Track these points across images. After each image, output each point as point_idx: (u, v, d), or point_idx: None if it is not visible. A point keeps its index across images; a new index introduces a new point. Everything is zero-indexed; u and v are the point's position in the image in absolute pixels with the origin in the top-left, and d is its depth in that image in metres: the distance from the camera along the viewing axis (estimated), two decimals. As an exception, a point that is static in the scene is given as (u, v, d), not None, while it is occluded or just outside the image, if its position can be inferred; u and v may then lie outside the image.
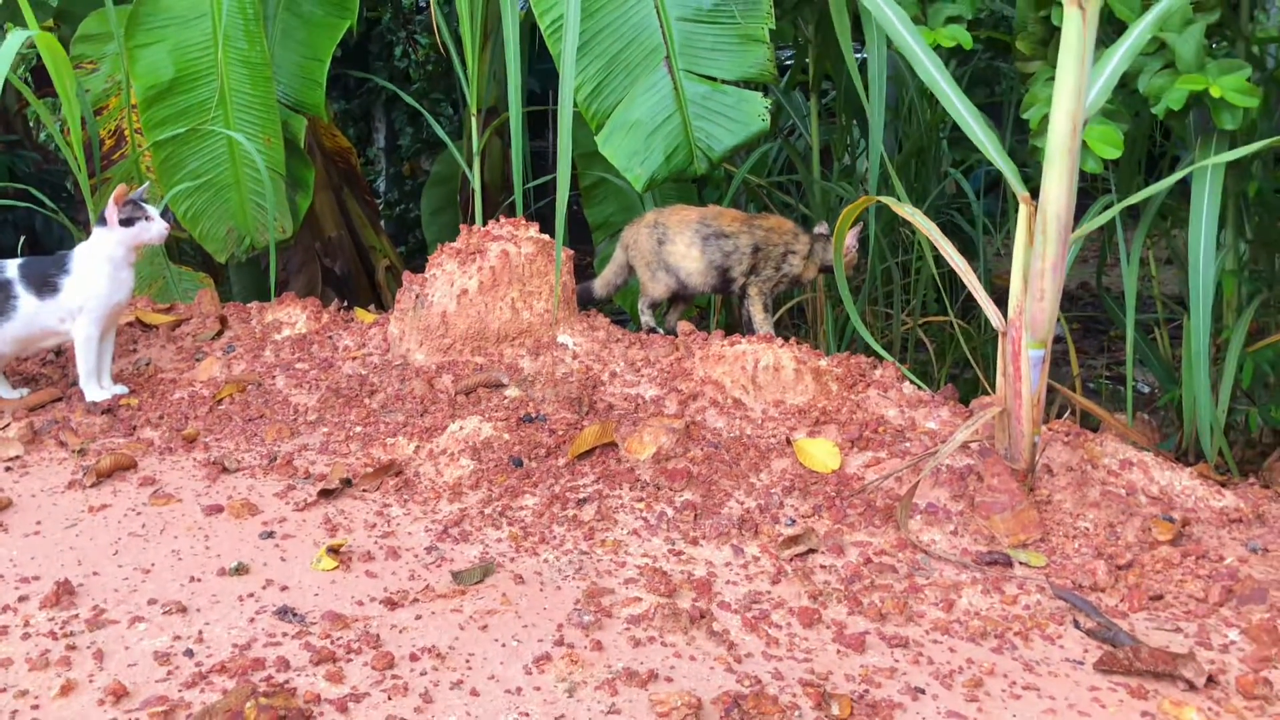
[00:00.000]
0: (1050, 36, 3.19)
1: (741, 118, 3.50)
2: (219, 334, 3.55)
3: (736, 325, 3.92)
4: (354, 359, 3.25)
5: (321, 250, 5.90)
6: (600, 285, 3.40)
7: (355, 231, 6.07)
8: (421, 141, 7.62)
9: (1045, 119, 3.10)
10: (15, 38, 3.30)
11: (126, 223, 2.87)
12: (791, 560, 2.03)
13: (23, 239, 4.75)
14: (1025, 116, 3.09)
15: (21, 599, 1.96)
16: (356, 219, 6.08)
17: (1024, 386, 2.16)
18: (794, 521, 2.18)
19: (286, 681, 1.64)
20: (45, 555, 2.14)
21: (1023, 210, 2.17)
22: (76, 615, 1.90)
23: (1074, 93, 2.06)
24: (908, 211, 2.38)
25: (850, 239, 3.12)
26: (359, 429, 2.78)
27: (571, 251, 3.19)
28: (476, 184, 4.38)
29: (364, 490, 2.43)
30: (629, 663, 1.70)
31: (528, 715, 1.55)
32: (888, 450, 2.41)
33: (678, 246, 3.13)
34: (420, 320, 3.15)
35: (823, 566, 2.02)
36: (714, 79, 3.57)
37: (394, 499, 2.39)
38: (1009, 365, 2.19)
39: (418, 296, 3.18)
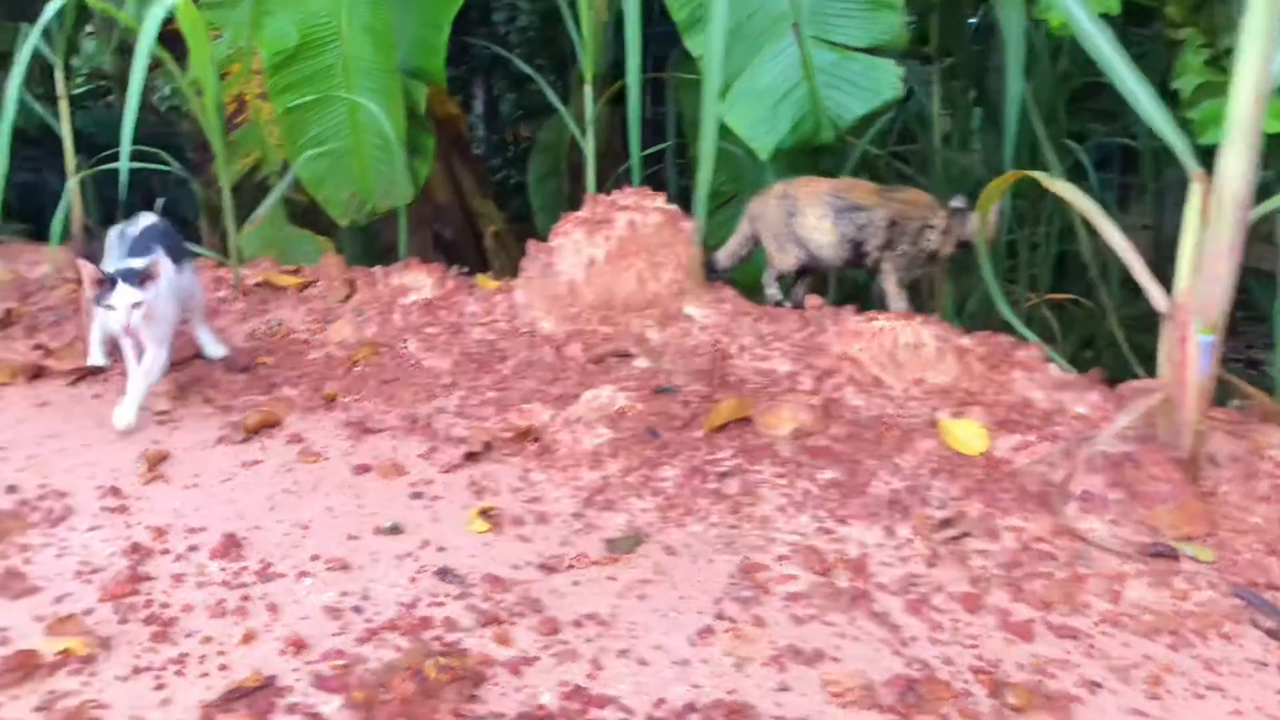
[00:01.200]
0: (1203, 2, 3.06)
1: (872, 85, 3.43)
2: (348, 297, 3.61)
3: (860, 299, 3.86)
4: (481, 325, 3.28)
5: (432, 215, 5.96)
6: (724, 257, 3.37)
7: (464, 197, 6.12)
8: (523, 108, 7.64)
9: (1198, 89, 2.98)
10: (159, 7, 3.38)
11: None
12: (946, 543, 2.00)
13: (160, 200, 4.86)
14: (1176, 87, 2.97)
15: (191, 548, 2.03)
16: (465, 185, 6.13)
17: (1190, 372, 2.09)
18: (944, 504, 2.14)
19: (457, 642, 1.67)
20: (206, 507, 2.21)
21: (1196, 188, 2.09)
22: (246, 567, 1.95)
23: (1259, 63, 1.96)
24: (1059, 187, 2.31)
25: (992, 214, 3.04)
26: (492, 394, 2.81)
27: (697, 222, 3.17)
28: (590, 152, 4.37)
29: (505, 454, 2.46)
30: (793, 640, 1.69)
31: (699, 687, 1.55)
32: (1036, 434, 2.36)
33: (808, 219, 3.09)
34: (547, 288, 3.16)
35: (978, 551, 1.99)
36: (843, 45, 3.50)
37: (535, 464, 2.41)
38: (1174, 350, 2.11)
39: (545, 265, 3.19)
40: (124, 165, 3.34)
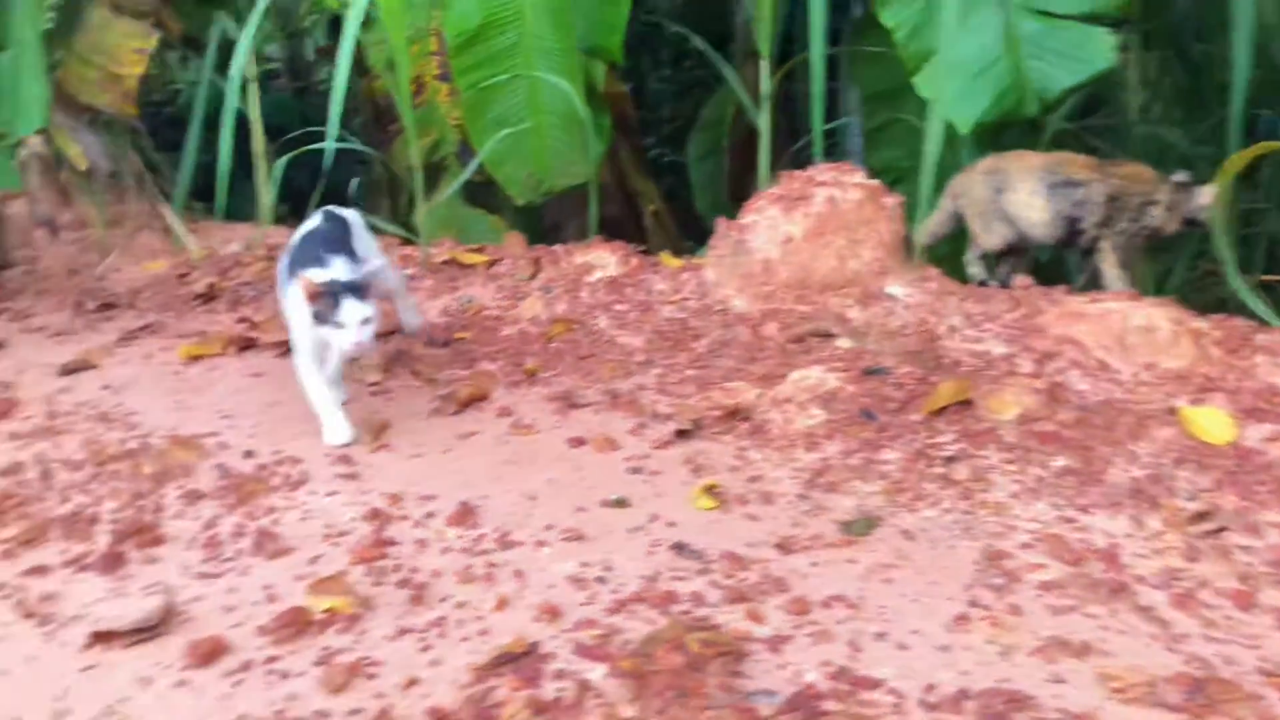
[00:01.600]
0: None
1: (1083, 55, 3.27)
2: (533, 275, 3.66)
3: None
4: (670, 303, 3.27)
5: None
6: (922, 235, 3.28)
7: (624, 177, 6.14)
8: (679, 85, 7.61)
9: None
10: (363, -6, 3.48)
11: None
12: (1203, 537, 1.89)
13: (357, 181, 5.00)
14: None
15: (428, 515, 2.08)
16: (625, 164, 6.15)
17: None
18: (1194, 496, 2.03)
19: (708, 617, 1.67)
20: (434, 476, 2.26)
21: None
22: (484, 534, 1.99)
23: None
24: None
25: (1214, 187, 2.86)
26: (690, 372, 2.80)
27: (902, 198, 3.08)
28: (765, 129, 4.31)
29: (715, 433, 2.44)
30: (1055, 631, 1.62)
31: (967, 674, 1.51)
32: (1288, 424, 2.21)
33: (1019, 195, 2.96)
34: (740, 266, 3.13)
35: (1240, 547, 1.87)
36: (1052, 14, 3.34)
37: (748, 443, 2.39)
38: None
39: (737, 242, 3.16)
40: (330, 145, 3.46)
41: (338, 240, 2.52)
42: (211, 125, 4.83)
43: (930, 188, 2.80)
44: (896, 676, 1.50)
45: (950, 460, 2.21)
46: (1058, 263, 3.89)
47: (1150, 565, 1.82)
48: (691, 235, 6.24)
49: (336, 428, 2.40)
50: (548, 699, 1.45)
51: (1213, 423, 2.22)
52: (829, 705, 1.41)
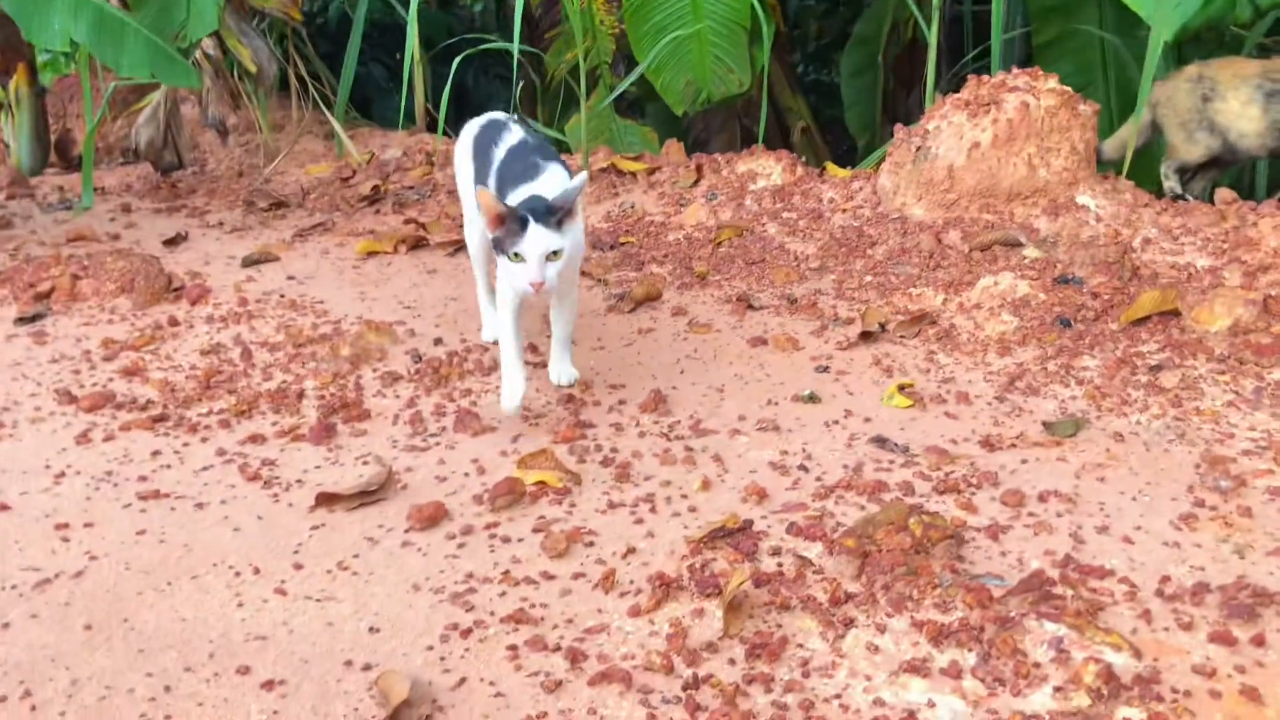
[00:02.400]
0: None
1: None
2: (696, 182, 3.63)
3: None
4: (843, 211, 3.20)
5: (741, 110, 5.90)
6: (1112, 147, 3.12)
7: (773, 92, 6.02)
8: (829, 1, 7.38)
9: None
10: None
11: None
12: None
13: (520, 84, 5.00)
14: None
15: (620, 402, 2.10)
16: (775, 79, 6.02)
17: None
18: None
19: (920, 505, 1.64)
20: (618, 368, 2.29)
21: None
22: (678, 421, 2.01)
23: None
24: None
25: None
26: (869, 278, 2.75)
27: (1097, 106, 2.93)
28: (933, 40, 4.13)
29: (901, 336, 2.40)
30: (1294, 534, 1.55)
31: (1202, 569, 1.45)
32: None
33: (1230, 104, 2.79)
34: (920, 174, 3.03)
35: None
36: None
37: (936, 347, 2.33)
38: None
39: (918, 149, 3.06)
40: (514, 45, 3.45)
41: (542, 150, 2.07)
42: (365, 36, 4.90)
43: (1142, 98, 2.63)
44: (1126, 568, 1.45)
45: (1156, 369, 2.12)
46: (1237, 181, 3.67)
47: (1391, 477, 1.71)
48: (839, 153, 6.11)
49: (511, 391, 1.96)
50: (769, 571, 1.46)
51: None
52: (1060, 590, 1.37)
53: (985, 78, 3.03)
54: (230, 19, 4.34)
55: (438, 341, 2.48)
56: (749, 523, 1.58)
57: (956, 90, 3.10)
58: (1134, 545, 1.52)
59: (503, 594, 1.46)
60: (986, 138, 2.90)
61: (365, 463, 1.90)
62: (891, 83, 6.04)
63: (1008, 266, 2.62)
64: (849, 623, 1.34)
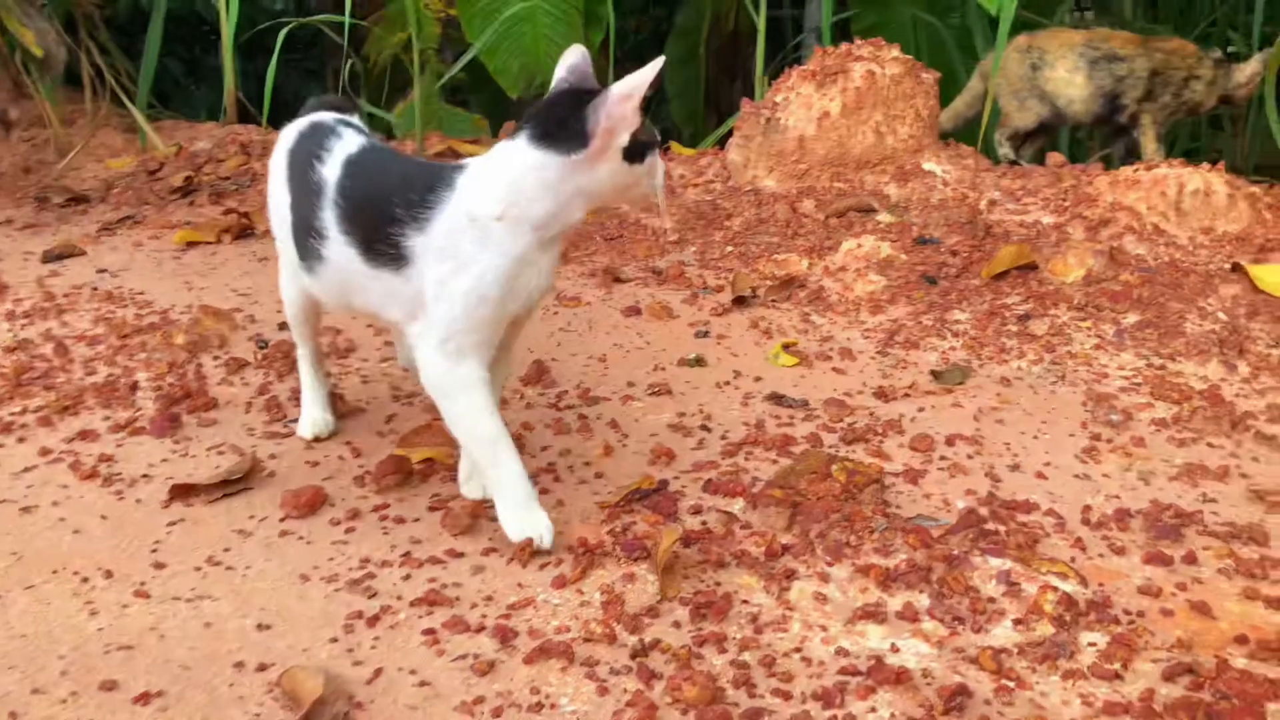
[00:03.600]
0: None
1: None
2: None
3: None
4: (695, 186, 3.17)
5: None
6: (947, 118, 3.21)
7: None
8: (642, -5, 7.40)
9: None
10: None
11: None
12: (1298, 378, 1.88)
13: (349, 65, 4.72)
14: None
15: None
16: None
17: None
18: (1276, 344, 2.01)
19: (836, 453, 1.59)
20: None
21: None
22: (565, 391, 1.90)
23: None
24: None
25: (1256, 64, 2.84)
26: (730, 248, 2.71)
27: (939, 74, 3.00)
28: (761, 26, 4.17)
29: (773, 300, 2.37)
30: (1187, 458, 1.59)
31: (1117, 497, 1.46)
32: (1354, 279, 2.21)
33: (1058, 72, 2.91)
34: (771, 146, 3.03)
35: (1337, 386, 1.86)
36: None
37: (809, 309, 2.32)
38: None
39: (768, 121, 3.06)
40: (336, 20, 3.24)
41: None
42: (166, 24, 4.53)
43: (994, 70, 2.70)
44: (1048, 502, 1.45)
45: (1024, 318, 2.17)
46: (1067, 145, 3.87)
47: (1256, 403, 1.80)
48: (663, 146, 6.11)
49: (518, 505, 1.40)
50: (694, 529, 1.37)
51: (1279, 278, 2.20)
52: (994, 527, 1.35)
53: (831, 49, 3.05)
54: (11, -1, 3.90)
55: (282, 326, 2.26)
56: (664, 483, 1.49)
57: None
58: (1048, 480, 1.52)
59: (407, 576, 1.31)
60: (836, 107, 2.92)
61: (220, 453, 1.69)
62: (714, 73, 6.10)
63: (865, 231, 2.64)
64: (790, 575, 1.27)
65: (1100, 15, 4.86)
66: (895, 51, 2.96)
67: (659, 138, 1.28)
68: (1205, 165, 2.53)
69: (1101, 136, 3.98)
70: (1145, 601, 1.19)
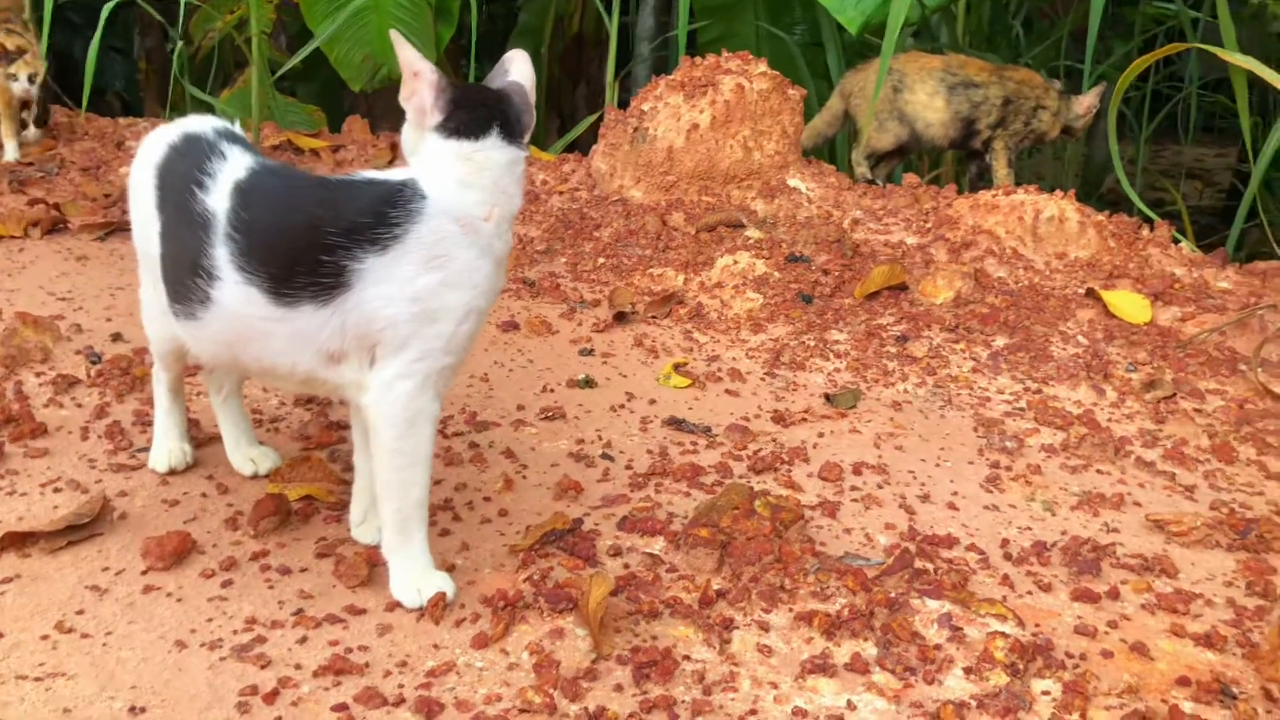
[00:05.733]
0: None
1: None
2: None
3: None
4: (560, 194, 3.07)
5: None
6: (807, 136, 3.24)
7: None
8: (482, -8, 7.22)
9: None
10: None
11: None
12: (1160, 403, 1.96)
13: (176, 64, 4.30)
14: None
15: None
16: (443, 68, 5.78)
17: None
18: (1134, 368, 2.11)
19: (751, 486, 1.54)
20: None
21: None
22: (450, 416, 1.77)
23: None
24: (1240, 59, 2.26)
25: (1092, 97, 3.00)
26: (601, 260, 2.63)
27: (805, 91, 3.02)
28: (614, 28, 4.12)
29: (653, 317, 2.30)
30: (1083, 485, 1.62)
31: (1028, 529, 1.47)
32: (1195, 305, 2.34)
33: (918, 96, 2.98)
34: (640, 156, 2.97)
35: (1197, 410, 1.96)
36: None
37: (691, 326, 2.26)
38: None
39: (635, 130, 3.00)
40: None
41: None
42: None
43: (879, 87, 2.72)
44: (965, 535, 1.44)
45: (902, 340, 2.19)
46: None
47: (1128, 428, 1.87)
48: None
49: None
50: (619, 574, 1.28)
51: (1131, 304, 2.31)
52: (923, 565, 1.32)
53: (699, 59, 3.02)
54: None
55: (116, 337, 2.02)
56: (577, 521, 1.39)
57: (627, 91, 3.07)
58: (960, 511, 1.52)
59: (304, 639, 1.16)
60: (705, 119, 2.88)
61: (57, 489, 1.47)
62: (557, 75, 6.01)
63: (737, 247, 2.62)
64: (728, 624, 1.20)
65: (922, 41, 5.05)
66: (763, 66, 2.96)
67: None
68: (1059, 192, 2.63)
69: (932, 157, 4.14)
70: (1084, 643, 1.19)
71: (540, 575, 1.27)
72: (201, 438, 1.62)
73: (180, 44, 3.76)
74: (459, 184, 1.17)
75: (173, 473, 1.52)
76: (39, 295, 2.24)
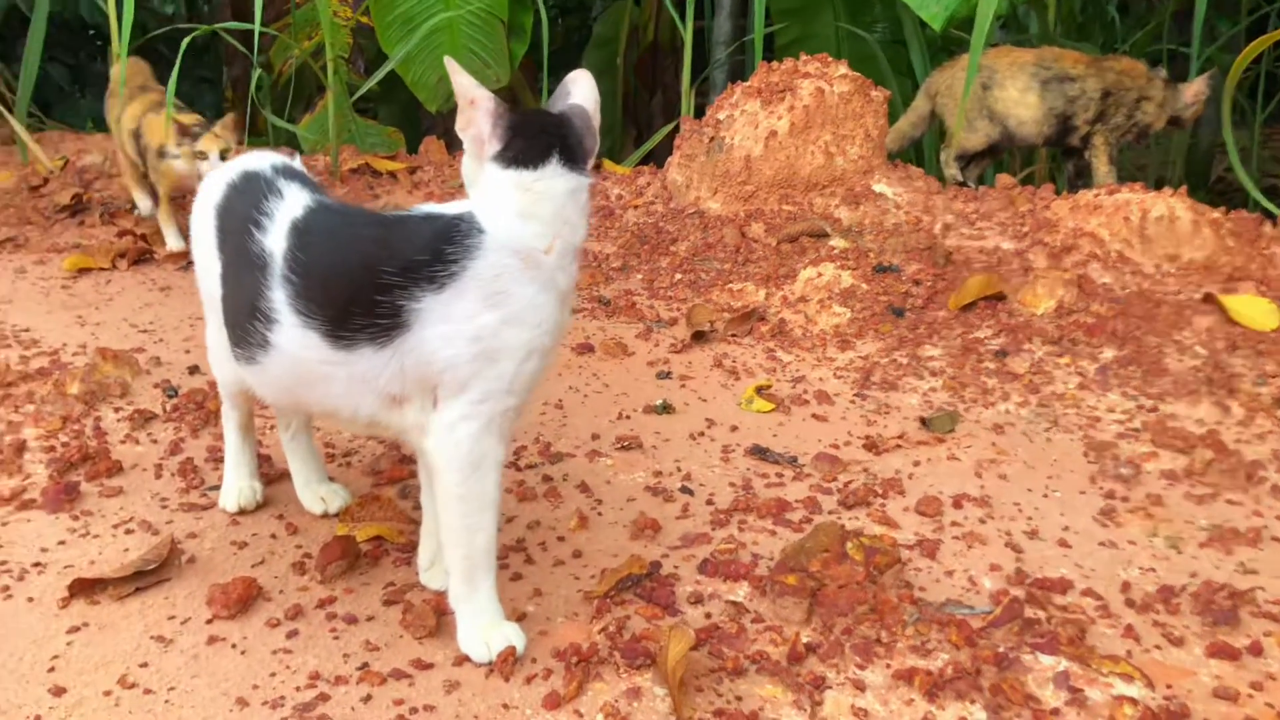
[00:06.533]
0: None
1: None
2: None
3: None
4: (635, 208, 3.00)
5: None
6: (892, 138, 3.11)
7: (516, 94, 5.77)
8: (559, 7, 7.22)
9: None
10: None
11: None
12: (1294, 420, 1.80)
13: (253, 89, 4.38)
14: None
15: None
16: (518, 82, 5.77)
17: None
18: (1263, 381, 1.94)
19: (841, 525, 1.43)
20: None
21: None
22: (524, 447, 1.70)
23: None
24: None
25: (1200, 84, 2.81)
26: (679, 276, 2.55)
27: (888, 92, 2.90)
28: (689, 36, 4.03)
29: (733, 335, 2.21)
30: (1217, 518, 1.48)
31: (1152, 571, 1.34)
32: (1327, 310, 2.15)
33: (1008, 92, 2.83)
34: (716, 166, 2.88)
35: (1334, 428, 1.79)
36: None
37: (773, 344, 2.17)
38: None
39: (711, 139, 2.91)
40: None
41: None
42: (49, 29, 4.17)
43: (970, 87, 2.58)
44: (1080, 578, 1.31)
45: (1001, 355, 2.05)
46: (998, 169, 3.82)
47: (1260, 450, 1.71)
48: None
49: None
50: (699, 625, 1.19)
51: (1255, 310, 2.14)
52: (1035, 613, 1.20)
53: (776, 64, 2.92)
54: None
55: (193, 370, 2.01)
56: (655, 565, 1.31)
57: (704, 98, 2.97)
58: (1072, 549, 1.39)
59: (368, 698, 1.10)
60: (784, 126, 2.78)
61: (129, 530, 1.45)
62: (633, 86, 5.95)
63: (821, 258, 2.51)
64: (819, 683, 1.10)
65: (1010, 34, 4.85)
66: (844, 68, 2.84)
67: None
68: (1168, 190, 2.46)
69: (1023, 155, 3.96)
70: (1224, 708, 1.06)
71: (616, 626, 1.19)
72: (273, 474, 1.59)
73: (260, 72, 3.79)
74: (518, 215, 1.10)
75: (242, 512, 1.49)
76: (122, 327, 2.26)
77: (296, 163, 1.35)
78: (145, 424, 1.78)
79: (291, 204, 1.22)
